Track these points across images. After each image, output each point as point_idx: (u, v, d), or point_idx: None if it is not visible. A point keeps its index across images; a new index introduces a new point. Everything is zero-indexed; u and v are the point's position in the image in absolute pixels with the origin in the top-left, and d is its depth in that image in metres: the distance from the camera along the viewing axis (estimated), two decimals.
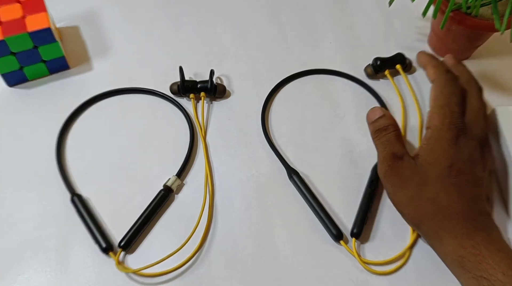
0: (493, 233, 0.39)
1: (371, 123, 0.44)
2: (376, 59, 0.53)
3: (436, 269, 0.42)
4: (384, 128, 0.43)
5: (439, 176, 0.39)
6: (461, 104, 0.42)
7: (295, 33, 0.58)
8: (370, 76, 0.54)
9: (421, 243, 0.44)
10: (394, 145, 0.42)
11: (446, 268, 0.41)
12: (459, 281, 0.39)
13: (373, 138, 0.44)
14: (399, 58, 0.54)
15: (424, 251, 0.43)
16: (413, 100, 0.52)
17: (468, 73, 0.47)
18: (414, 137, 0.50)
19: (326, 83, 0.54)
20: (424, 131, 0.43)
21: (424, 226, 0.40)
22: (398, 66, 0.54)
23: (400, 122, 0.51)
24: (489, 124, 0.45)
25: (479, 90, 0.45)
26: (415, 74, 0.55)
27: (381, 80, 0.54)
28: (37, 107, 0.51)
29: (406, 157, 0.41)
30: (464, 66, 0.47)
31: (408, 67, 0.54)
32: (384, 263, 0.43)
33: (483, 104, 0.45)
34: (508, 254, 0.37)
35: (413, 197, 0.40)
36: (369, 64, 0.54)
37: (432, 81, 0.45)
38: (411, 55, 0.54)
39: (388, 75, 0.54)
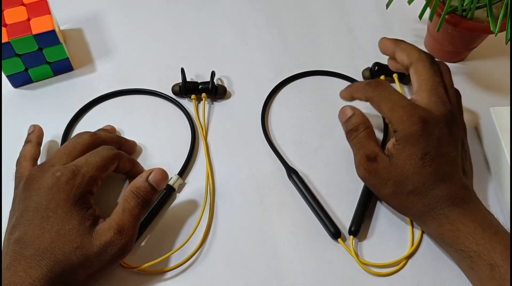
0: (470, 207, 0.40)
1: (343, 123, 0.46)
2: (376, 64, 0.53)
3: (435, 269, 0.43)
4: (355, 128, 0.44)
5: (414, 170, 0.40)
6: (404, 96, 0.42)
7: (295, 34, 0.59)
8: (366, 79, 0.54)
9: (422, 244, 0.45)
10: (366, 147, 0.43)
11: (444, 270, 0.42)
12: (447, 254, 0.43)
13: (347, 139, 0.45)
14: None
15: (424, 251, 0.44)
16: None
17: (406, 52, 0.45)
18: None
19: (325, 84, 0.55)
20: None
21: (409, 214, 0.43)
22: (395, 75, 0.53)
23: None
24: (450, 88, 0.44)
25: (427, 66, 0.43)
26: (411, 87, 0.53)
27: None
28: (42, 108, 0.52)
29: (379, 157, 0.42)
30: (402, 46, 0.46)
31: (406, 80, 0.54)
32: (382, 266, 0.43)
33: (436, 78, 0.43)
34: (481, 225, 0.39)
35: (394, 192, 0.41)
36: (368, 67, 0.54)
37: (367, 101, 0.44)
38: None
39: None
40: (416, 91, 0.43)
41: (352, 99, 0.47)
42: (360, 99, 0.45)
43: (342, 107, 0.46)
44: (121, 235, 0.38)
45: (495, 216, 0.41)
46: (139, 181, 0.41)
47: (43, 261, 0.36)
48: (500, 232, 0.38)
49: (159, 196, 0.45)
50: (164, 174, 0.42)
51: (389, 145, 0.42)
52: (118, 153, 0.43)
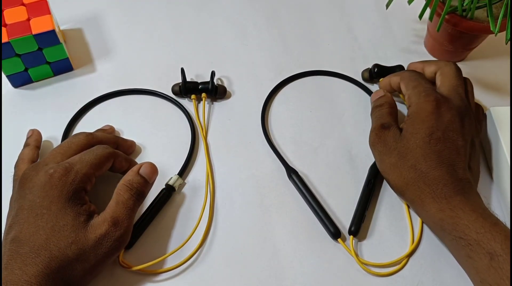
0: (471, 197, 0.41)
1: (373, 102, 0.49)
2: (375, 65, 0.53)
3: (436, 269, 0.43)
4: (380, 105, 0.47)
5: (419, 145, 0.42)
6: (431, 83, 0.47)
7: (295, 34, 0.59)
8: (365, 80, 0.55)
9: (421, 244, 0.45)
10: (384, 118, 0.46)
11: (444, 269, 0.42)
12: (443, 243, 0.43)
13: (371, 113, 0.48)
14: (398, 70, 0.53)
15: (424, 251, 0.44)
16: (401, 114, 0.52)
17: (434, 63, 0.49)
18: None
19: (325, 84, 0.55)
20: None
21: (407, 192, 0.43)
22: None
23: None
24: (471, 97, 0.47)
25: (453, 68, 0.47)
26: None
27: (376, 84, 0.55)
28: (42, 108, 0.52)
29: (392, 128, 0.44)
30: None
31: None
32: (382, 266, 0.44)
33: (459, 80, 0.47)
34: (482, 214, 0.39)
35: (396, 164, 0.43)
36: (367, 68, 0.54)
37: (399, 82, 0.48)
38: (408, 60, 0.54)
39: None
40: (439, 87, 0.47)
41: (390, 87, 0.50)
42: (395, 84, 0.49)
43: (377, 90, 0.50)
44: (116, 227, 0.39)
45: (492, 213, 0.40)
46: (130, 174, 0.42)
47: (39, 258, 0.36)
48: (500, 224, 0.39)
49: (159, 196, 0.46)
50: (154, 167, 0.43)
51: (404, 120, 0.45)
52: (114, 152, 0.44)
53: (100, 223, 0.38)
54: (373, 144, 0.45)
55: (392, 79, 0.49)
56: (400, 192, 0.44)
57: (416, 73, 0.48)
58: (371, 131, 0.46)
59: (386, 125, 0.45)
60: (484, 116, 0.50)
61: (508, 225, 0.43)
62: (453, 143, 0.42)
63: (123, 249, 0.41)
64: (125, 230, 0.39)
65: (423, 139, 0.42)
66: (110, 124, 0.50)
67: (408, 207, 0.46)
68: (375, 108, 0.48)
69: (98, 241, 0.38)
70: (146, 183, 0.42)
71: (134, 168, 0.42)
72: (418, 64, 0.51)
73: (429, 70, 0.49)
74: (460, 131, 0.43)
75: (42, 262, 0.36)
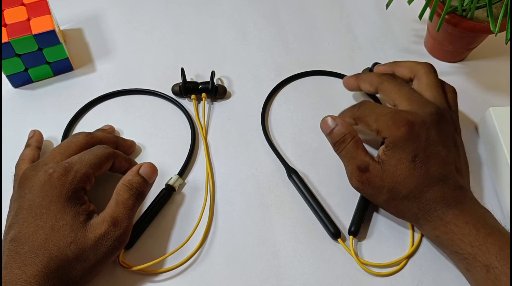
0: (465, 207, 0.40)
1: (328, 135, 0.45)
2: (375, 64, 0.53)
3: (434, 270, 0.43)
4: (342, 140, 0.43)
5: (406, 174, 0.40)
6: (384, 105, 0.44)
7: (295, 34, 0.59)
8: None
9: (421, 245, 0.45)
10: (356, 157, 0.42)
11: (444, 270, 0.43)
12: (447, 257, 0.42)
13: (335, 151, 0.44)
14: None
15: (424, 251, 0.44)
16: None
17: (397, 64, 0.48)
18: None
19: (325, 84, 0.55)
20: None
21: (406, 218, 0.43)
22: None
23: None
24: (444, 92, 0.46)
25: (423, 66, 0.46)
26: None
27: None
28: (42, 108, 0.52)
29: (371, 166, 0.42)
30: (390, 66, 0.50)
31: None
32: (382, 266, 0.44)
33: (430, 77, 0.45)
34: (476, 226, 0.38)
35: (389, 199, 0.42)
36: (367, 68, 0.54)
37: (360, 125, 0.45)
38: (408, 59, 0.54)
39: None
40: (416, 89, 0.45)
41: (354, 89, 0.50)
42: (351, 124, 0.45)
43: (323, 118, 0.45)
44: (115, 227, 0.39)
45: (493, 213, 0.41)
46: (130, 174, 0.42)
47: (38, 257, 0.36)
48: (495, 232, 0.38)
49: (159, 196, 0.46)
50: (153, 167, 0.43)
51: (379, 152, 0.42)
52: (113, 152, 0.44)
53: (100, 223, 0.38)
54: (358, 189, 0.43)
55: (347, 120, 0.45)
56: (398, 217, 0.44)
57: (369, 102, 0.45)
58: (350, 177, 0.43)
59: (363, 166, 0.42)
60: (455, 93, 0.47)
61: (508, 226, 0.43)
62: (437, 156, 0.41)
63: (122, 249, 0.41)
64: (125, 230, 0.39)
65: (408, 167, 0.40)
66: (110, 124, 0.50)
67: None
68: (336, 144, 0.44)
69: (98, 241, 0.38)
70: (145, 183, 0.42)
71: (134, 168, 0.42)
72: (386, 67, 0.50)
73: (401, 74, 0.47)
74: (440, 142, 0.41)
75: (41, 262, 0.36)
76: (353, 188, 0.47)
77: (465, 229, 0.38)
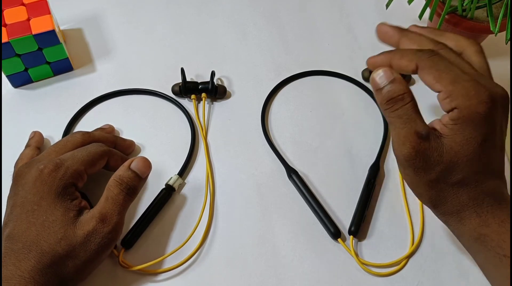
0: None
1: (380, 88, 0.36)
2: None
3: (435, 269, 0.43)
4: (400, 98, 0.35)
5: (470, 157, 0.34)
6: (466, 72, 0.35)
7: (295, 34, 0.59)
8: (366, 79, 0.55)
9: (421, 244, 0.45)
10: (415, 121, 0.35)
11: (444, 270, 0.42)
12: (476, 259, 0.37)
13: (385, 109, 0.36)
14: None
15: (424, 251, 0.44)
16: None
17: (441, 34, 0.40)
18: None
19: (325, 84, 0.55)
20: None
21: (444, 207, 0.37)
22: None
23: None
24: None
25: (473, 44, 0.39)
26: (414, 86, 0.53)
27: None
28: (42, 108, 0.52)
29: (432, 136, 0.35)
30: (434, 31, 0.40)
31: (407, 79, 0.53)
32: (382, 266, 0.44)
33: (483, 58, 0.39)
34: None
35: (438, 180, 0.35)
36: (367, 67, 0.54)
37: (413, 70, 0.36)
38: None
39: None
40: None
41: (385, 66, 0.37)
42: (402, 68, 0.37)
43: (379, 69, 0.36)
44: (103, 223, 0.38)
45: None
46: (121, 170, 0.41)
47: (31, 253, 0.36)
48: None
49: (159, 196, 0.46)
50: (146, 162, 0.42)
51: (439, 125, 0.35)
52: (108, 150, 0.43)
53: (88, 220, 0.38)
54: (408, 159, 0.35)
55: (399, 63, 0.37)
56: (433, 205, 0.37)
57: (441, 59, 0.36)
58: (404, 141, 0.35)
59: (424, 133, 0.35)
60: None
61: None
62: (501, 148, 0.36)
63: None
64: (114, 226, 0.39)
65: (475, 150, 0.34)
66: (110, 124, 0.50)
67: (408, 207, 0.46)
68: (392, 101, 0.35)
69: (86, 238, 0.38)
70: (137, 178, 0.41)
71: (126, 163, 0.42)
72: (425, 31, 0.40)
73: (403, 67, 0.37)
74: (504, 132, 0.36)
75: (34, 258, 0.36)
76: (353, 188, 0.47)
77: None
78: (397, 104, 0.35)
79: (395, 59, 0.37)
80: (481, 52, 0.38)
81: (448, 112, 0.35)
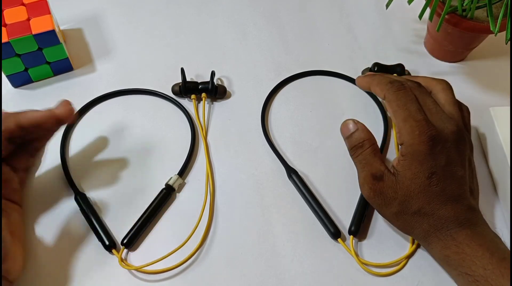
0: (477, 229, 0.39)
1: (346, 138, 0.43)
2: (375, 64, 0.53)
3: (434, 271, 0.43)
4: (360, 145, 0.42)
5: (421, 189, 0.39)
6: (421, 109, 0.41)
7: (295, 34, 0.59)
8: None
9: (421, 247, 0.45)
10: (371, 165, 0.41)
11: (443, 271, 0.42)
12: (451, 277, 0.41)
13: (351, 155, 0.43)
14: (399, 70, 0.53)
15: (424, 251, 0.44)
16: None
17: (414, 77, 0.47)
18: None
19: (325, 84, 0.55)
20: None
21: (413, 234, 0.42)
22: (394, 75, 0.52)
23: (392, 128, 0.51)
24: (460, 110, 0.44)
25: (440, 82, 0.45)
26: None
27: None
28: (42, 108, 0.52)
29: (386, 176, 0.40)
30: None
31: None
32: (382, 266, 0.44)
33: (448, 94, 0.44)
34: (489, 249, 0.38)
35: (399, 212, 0.40)
36: (367, 67, 0.54)
37: (383, 99, 0.43)
38: (408, 60, 0.55)
39: None
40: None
41: (368, 90, 0.46)
42: (376, 94, 0.44)
43: (345, 121, 0.43)
44: None
45: (501, 235, 0.40)
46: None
47: None
48: (507, 258, 0.37)
49: (159, 196, 0.46)
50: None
51: (394, 162, 0.41)
52: None
53: None
54: (369, 198, 0.41)
55: (374, 89, 0.45)
56: (406, 233, 0.42)
57: (405, 94, 0.42)
58: (363, 183, 0.41)
59: (378, 174, 0.40)
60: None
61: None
62: (453, 176, 0.40)
63: (122, 248, 0.40)
64: None
65: (423, 183, 0.39)
66: (110, 124, 0.50)
67: None
68: (354, 149, 0.42)
69: None
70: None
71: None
72: (364, 79, 0.47)
73: (376, 93, 0.45)
74: (458, 162, 0.40)
75: None
76: (353, 188, 0.47)
77: (479, 252, 0.37)
78: (357, 151, 0.42)
79: (373, 85, 0.45)
80: (447, 89, 0.44)
81: (400, 146, 0.41)
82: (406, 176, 0.40)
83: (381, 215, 0.43)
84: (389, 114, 0.42)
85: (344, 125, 0.43)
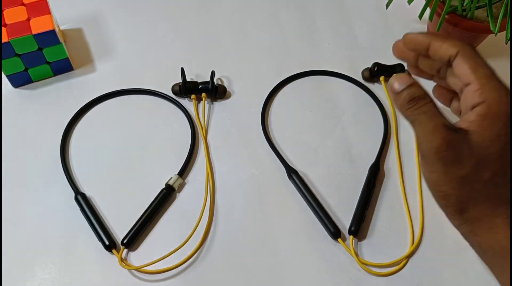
0: None
1: (401, 91, 0.35)
2: (375, 64, 0.53)
3: (434, 271, 0.43)
4: (422, 97, 0.34)
5: (499, 154, 0.33)
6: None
7: (295, 34, 0.59)
8: (366, 79, 0.55)
9: (421, 244, 0.45)
10: (441, 116, 0.34)
11: (444, 270, 0.41)
12: (497, 275, 0.34)
13: (407, 109, 0.35)
14: (398, 70, 0.53)
15: (424, 251, 0.44)
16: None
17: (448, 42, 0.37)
18: (407, 151, 0.50)
19: (325, 84, 0.55)
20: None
21: (473, 210, 0.34)
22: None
23: (392, 128, 0.52)
24: None
25: (475, 52, 0.37)
26: None
27: (376, 84, 0.55)
28: (42, 107, 0.52)
29: (462, 130, 0.33)
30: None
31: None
32: (382, 266, 0.44)
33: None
34: None
35: (468, 176, 0.33)
36: (367, 67, 0.54)
37: (449, 57, 0.36)
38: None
39: (383, 82, 0.54)
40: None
41: (423, 48, 0.38)
42: (441, 51, 0.36)
43: (397, 74, 0.36)
44: None
45: None
46: None
47: None
48: None
49: (159, 196, 0.46)
50: None
51: (464, 123, 0.34)
52: None
53: None
54: (438, 151, 0.33)
55: (440, 45, 0.36)
56: (460, 209, 0.34)
57: (479, 54, 0.35)
58: (432, 133, 0.33)
59: (452, 127, 0.33)
60: None
61: None
62: None
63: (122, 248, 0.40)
64: None
65: (505, 148, 0.32)
66: (110, 124, 0.50)
67: (408, 207, 0.46)
68: (414, 100, 0.35)
69: None
70: None
71: None
72: (421, 37, 0.38)
73: (443, 50, 0.36)
74: None
75: None
76: (353, 188, 0.47)
77: None
78: (419, 102, 0.35)
79: (437, 41, 0.36)
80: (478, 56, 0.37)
81: (473, 107, 0.34)
82: (484, 136, 0.33)
83: (437, 180, 0.34)
84: (458, 71, 0.35)
85: (397, 78, 0.36)
